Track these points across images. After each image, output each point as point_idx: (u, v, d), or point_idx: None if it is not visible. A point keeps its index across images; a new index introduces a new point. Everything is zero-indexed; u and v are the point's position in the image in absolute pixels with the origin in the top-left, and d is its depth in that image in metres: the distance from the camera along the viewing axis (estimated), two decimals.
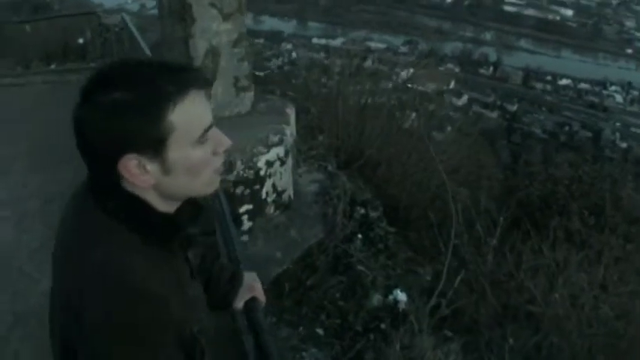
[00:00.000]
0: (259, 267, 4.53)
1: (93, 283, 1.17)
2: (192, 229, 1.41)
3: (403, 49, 55.88)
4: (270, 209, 4.94)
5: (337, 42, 53.83)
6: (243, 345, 2.44)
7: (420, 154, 8.65)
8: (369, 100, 9.87)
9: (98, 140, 1.20)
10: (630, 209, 8.15)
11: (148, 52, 7.89)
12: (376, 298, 4.75)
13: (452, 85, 47.22)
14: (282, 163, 4.89)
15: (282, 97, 6.71)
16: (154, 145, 1.21)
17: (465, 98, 46.25)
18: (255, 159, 4.62)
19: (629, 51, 58.79)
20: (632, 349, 5.01)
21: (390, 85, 12.68)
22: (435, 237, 6.05)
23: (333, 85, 9.38)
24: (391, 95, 11.23)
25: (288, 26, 63.67)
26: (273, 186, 4.88)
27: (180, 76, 1.24)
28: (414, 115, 11.62)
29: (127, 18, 10.30)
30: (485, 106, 47.09)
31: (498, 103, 48.33)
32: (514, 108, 47.58)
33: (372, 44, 54.46)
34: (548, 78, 53.61)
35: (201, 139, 1.26)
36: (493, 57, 57.75)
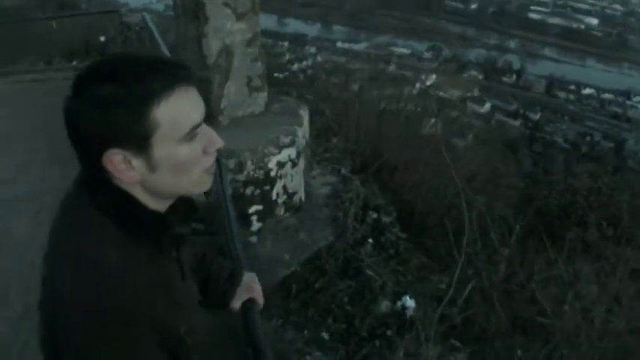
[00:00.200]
0: (266, 268, 4.52)
1: (69, 275, 1.18)
2: (183, 229, 1.40)
3: (427, 54, 55.81)
4: (281, 211, 4.91)
5: (361, 46, 53.97)
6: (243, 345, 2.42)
7: (437, 160, 8.60)
8: (389, 105, 9.87)
9: (85, 133, 1.20)
10: None
11: (166, 51, 7.92)
12: (384, 304, 4.69)
13: (475, 92, 47.06)
14: (294, 164, 4.86)
15: (298, 98, 6.68)
16: (139, 140, 1.20)
17: (487, 106, 46.03)
18: (266, 159, 4.60)
19: None
20: None
21: (413, 90, 12.71)
22: (450, 244, 5.98)
23: (353, 89, 9.38)
24: (411, 101, 11.22)
25: (312, 29, 63.84)
26: (284, 187, 4.84)
27: (168, 72, 1.23)
28: (432, 120, 11.60)
29: (148, 17, 10.39)
30: (508, 114, 46.83)
31: (521, 111, 47.96)
32: (537, 117, 47.19)
33: (396, 49, 54.50)
34: (572, 87, 53.08)
35: (188, 137, 1.25)
36: (517, 65, 57.32)
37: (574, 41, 60.55)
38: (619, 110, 49.78)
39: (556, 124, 47.06)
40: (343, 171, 6.18)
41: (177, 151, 1.24)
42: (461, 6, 67.30)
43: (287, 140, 4.75)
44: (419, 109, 11.14)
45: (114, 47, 11.29)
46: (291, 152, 4.79)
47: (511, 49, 62.25)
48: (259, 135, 4.70)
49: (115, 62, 1.25)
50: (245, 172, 4.51)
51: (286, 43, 53.18)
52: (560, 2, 65.22)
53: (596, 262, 6.05)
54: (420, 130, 10.61)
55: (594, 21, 62.82)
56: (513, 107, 48.55)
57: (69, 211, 1.31)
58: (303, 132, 5.02)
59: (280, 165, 4.74)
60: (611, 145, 42.47)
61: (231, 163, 4.41)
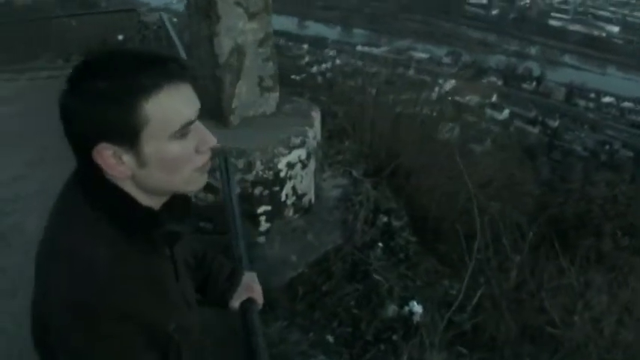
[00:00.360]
0: (274, 269, 4.50)
1: (64, 273, 1.18)
2: (178, 227, 1.39)
3: (446, 59, 55.68)
4: (290, 212, 4.88)
5: (381, 50, 53.89)
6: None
7: (452, 165, 8.53)
8: (406, 109, 9.82)
9: (77, 127, 1.21)
10: None
11: (182, 50, 7.97)
12: (391, 309, 4.64)
13: (494, 98, 46.80)
14: (304, 165, 4.82)
15: (312, 100, 6.65)
16: (128, 135, 1.20)
17: (506, 112, 45.81)
18: (275, 160, 4.57)
19: None
20: None
21: (432, 95, 12.63)
22: (462, 250, 5.92)
23: (370, 92, 9.35)
24: (429, 105, 11.16)
25: (332, 32, 64.02)
26: (294, 189, 4.81)
27: (160, 68, 1.23)
28: (449, 125, 11.54)
29: (165, 17, 10.47)
30: (527, 121, 46.62)
31: (540, 118, 47.69)
32: (556, 124, 46.88)
33: (416, 54, 54.42)
34: (592, 95, 52.72)
35: (179, 134, 1.24)
36: (537, 72, 57.01)
37: (594, 49, 60.16)
38: (639, 119, 49.32)
39: (575, 132, 46.79)
40: (355, 174, 6.14)
41: (168, 148, 1.24)
42: (482, 12, 67.10)
43: (297, 141, 4.71)
44: (435, 114, 11.08)
45: (131, 46, 11.39)
46: (301, 153, 4.76)
47: (531, 56, 61.96)
48: (270, 135, 4.67)
49: (108, 57, 1.25)
50: (254, 172, 4.49)
51: (306, 46, 53.37)
52: (581, 9, 64.83)
53: (610, 272, 5.95)
54: (437, 135, 10.56)
55: (615, 29, 62.35)
56: (532, 114, 48.30)
57: (63, 209, 1.32)
58: (314, 133, 4.99)
59: (290, 166, 4.70)
60: (631, 153, 42.12)
61: (241, 163, 4.39)
